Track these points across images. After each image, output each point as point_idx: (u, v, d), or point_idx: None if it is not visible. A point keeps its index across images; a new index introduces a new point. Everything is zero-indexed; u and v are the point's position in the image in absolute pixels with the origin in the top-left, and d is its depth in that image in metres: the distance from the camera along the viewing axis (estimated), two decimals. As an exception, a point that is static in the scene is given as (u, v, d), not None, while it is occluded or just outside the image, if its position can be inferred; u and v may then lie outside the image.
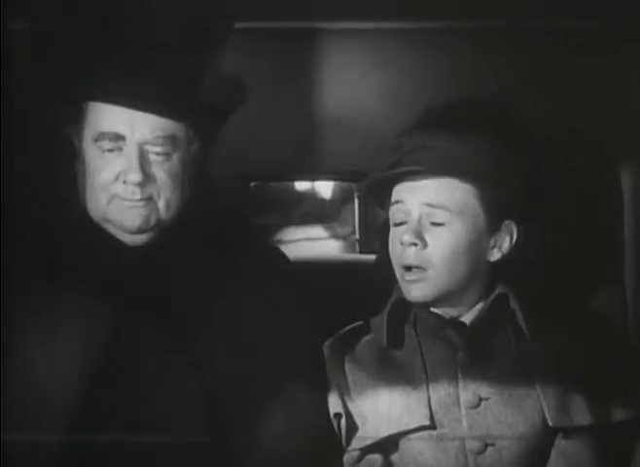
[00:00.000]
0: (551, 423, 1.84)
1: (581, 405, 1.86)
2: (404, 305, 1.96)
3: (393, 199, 1.92)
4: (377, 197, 1.99)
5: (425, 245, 1.88)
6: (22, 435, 1.80)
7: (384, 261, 1.97)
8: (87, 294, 1.87)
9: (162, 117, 1.86)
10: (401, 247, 1.89)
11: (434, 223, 1.88)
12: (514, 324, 1.92)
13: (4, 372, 1.82)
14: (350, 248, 2.77)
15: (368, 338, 2.00)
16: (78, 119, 1.89)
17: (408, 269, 1.89)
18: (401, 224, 1.90)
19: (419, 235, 1.87)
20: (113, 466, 1.82)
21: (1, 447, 1.77)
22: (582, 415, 1.85)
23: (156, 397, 1.84)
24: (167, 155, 1.87)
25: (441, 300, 1.91)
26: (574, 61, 2.38)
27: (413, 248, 1.87)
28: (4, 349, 1.83)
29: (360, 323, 2.03)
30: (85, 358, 1.84)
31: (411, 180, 1.89)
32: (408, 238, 1.87)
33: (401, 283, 1.92)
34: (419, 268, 1.88)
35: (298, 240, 3.12)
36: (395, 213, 1.92)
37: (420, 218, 1.88)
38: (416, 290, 1.89)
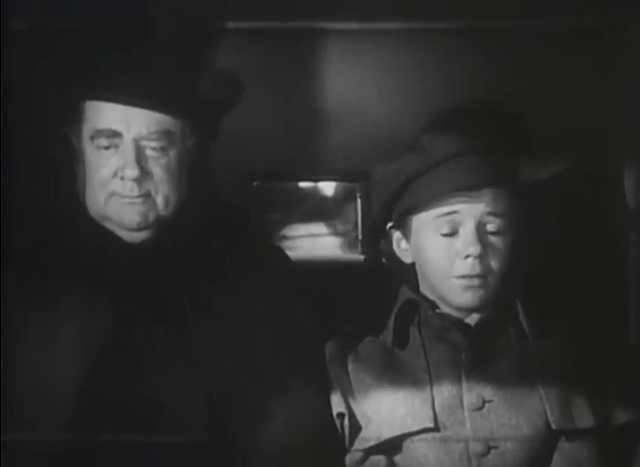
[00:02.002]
0: (553, 426, 1.79)
1: (583, 407, 1.80)
2: (411, 307, 1.90)
3: (445, 211, 1.82)
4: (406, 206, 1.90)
5: (487, 254, 1.81)
6: (22, 435, 1.76)
7: (381, 262, 1.94)
8: (87, 292, 1.83)
9: (157, 112, 1.82)
10: (457, 258, 1.82)
11: (493, 232, 1.82)
12: (516, 326, 1.87)
13: (4, 372, 1.77)
14: (350, 245, 2.73)
15: (371, 338, 1.94)
16: (76, 118, 1.86)
17: (466, 277, 1.82)
18: (451, 234, 1.82)
19: (483, 246, 1.81)
20: (113, 466, 1.77)
21: (1, 446, 1.73)
22: (584, 418, 1.80)
23: (155, 396, 1.79)
24: (163, 150, 1.84)
25: (487, 305, 1.85)
26: (574, 61, 2.30)
27: (478, 259, 1.81)
28: (4, 349, 1.78)
29: (362, 323, 1.96)
30: (84, 356, 1.79)
31: (468, 190, 1.82)
32: (474, 251, 1.80)
33: (449, 290, 1.84)
34: (480, 276, 1.81)
35: (300, 236, 3.12)
36: (444, 224, 1.83)
37: (477, 227, 1.82)
38: (472, 296, 1.82)
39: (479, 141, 1.84)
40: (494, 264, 1.82)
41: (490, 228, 1.82)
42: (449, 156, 1.82)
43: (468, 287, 1.82)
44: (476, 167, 1.82)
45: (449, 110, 1.92)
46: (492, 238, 1.82)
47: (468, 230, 1.82)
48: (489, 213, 1.82)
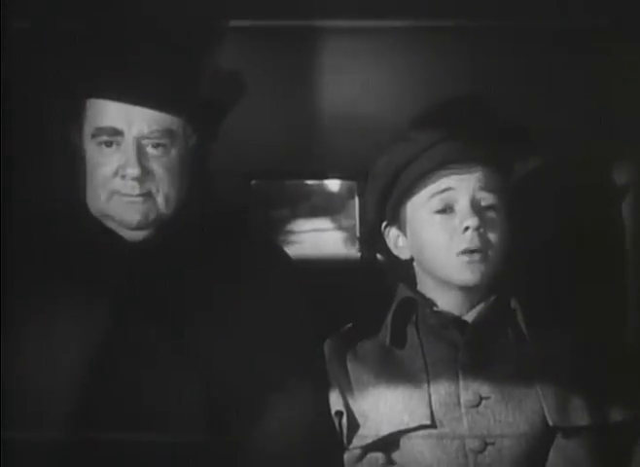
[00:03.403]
0: (550, 423, 1.78)
1: (580, 405, 1.80)
2: (408, 305, 1.89)
3: (437, 189, 1.83)
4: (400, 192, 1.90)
5: (485, 229, 1.81)
6: (22, 433, 1.75)
7: (378, 260, 1.94)
8: (87, 291, 1.82)
9: (159, 111, 1.81)
10: (456, 234, 1.82)
11: (487, 206, 1.83)
12: (514, 324, 1.86)
13: (4, 371, 1.77)
14: (354, 240, 2.71)
15: (369, 336, 1.92)
16: (77, 116, 1.84)
17: (467, 252, 1.81)
18: (447, 212, 1.83)
19: (480, 220, 1.81)
20: (112, 465, 1.76)
21: (1, 445, 1.72)
22: (581, 416, 1.79)
23: (155, 395, 1.78)
24: (165, 149, 1.82)
25: (489, 284, 1.84)
26: (574, 61, 2.29)
27: (476, 232, 1.80)
28: (4, 349, 1.78)
29: (361, 321, 1.96)
30: (84, 355, 1.78)
31: (459, 169, 1.83)
32: (472, 223, 1.80)
33: (451, 269, 1.83)
34: (480, 251, 1.81)
35: (305, 232, 3.10)
36: (439, 202, 1.83)
37: (472, 202, 1.82)
38: (474, 272, 1.81)
39: (463, 131, 1.84)
40: (493, 238, 1.81)
41: (485, 203, 1.82)
42: (436, 141, 1.83)
43: (470, 263, 1.80)
44: (462, 146, 1.83)
45: (434, 106, 1.91)
46: (488, 213, 1.82)
47: (463, 205, 1.82)
48: (482, 188, 1.82)
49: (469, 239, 1.80)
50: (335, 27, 2.30)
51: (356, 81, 2.34)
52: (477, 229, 1.80)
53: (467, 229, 1.80)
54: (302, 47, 2.31)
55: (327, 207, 3.14)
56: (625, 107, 2.27)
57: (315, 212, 3.16)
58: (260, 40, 2.29)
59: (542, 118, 2.20)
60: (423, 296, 1.88)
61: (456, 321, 1.85)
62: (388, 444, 1.81)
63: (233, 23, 1.95)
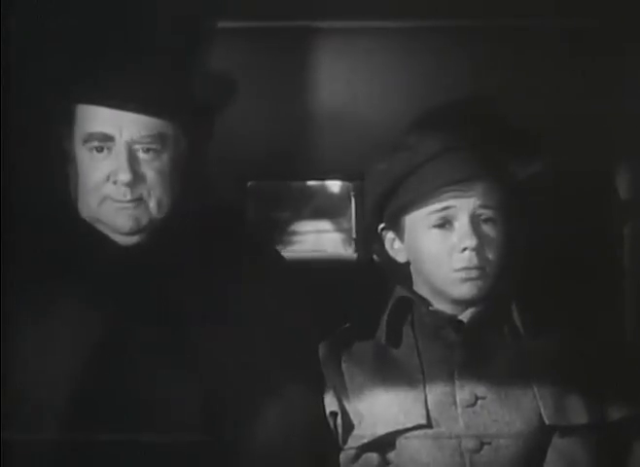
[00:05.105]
0: (547, 422, 1.78)
1: (577, 403, 1.80)
2: (404, 305, 1.89)
3: (437, 207, 1.82)
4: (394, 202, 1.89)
5: (483, 246, 1.81)
6: (21, 434, 1.76)
7: (374, 261, 1.93)
8: (82, 295, 1.83)
9: (149, 116, 1.80)
10: (454, 252, 1.81)
11: (486, 221, 1.82)
12: (510, 323, 1.86)
13: (4, 371, 1.78)
14: (351, 241, 2.72)
15: (364, 336, 1.93)
16: (68, 121, 1.85)
17: (464, 270, 1.81)
18: (445, 228, 1.83)
19: (478, 238, 1.80)
20: (111, 465, 1.77)
21: (1, 445, 1.73)
22: (578, 414, 1.79)
23: (152, 396, 1.79)
24: (156, 153, 1.82)
25: (486, 297, 1.84)
26: (574, 61, 2.30)
27: (475, 252, 1.80)
28: (4, 349, 1.78)
29: (356, 322, 1.96)
30: (81, 358, 1.79)
31: (460, 187, 1.81)
32: (470, 243, 1.80)
33: (447, 283, 1.83)
34: (478, 268, 1.81)
35: (306, 233, 3.12)
36: (438, 219, 1.83)
37: (471, 220, 1.81)
38: (470, 288, 1.82)
39: (464, 138, 1.83)
40: (491, 255, 1.81)
41: (484, 218, 1.81)
42: (436, 153, 1.81)
43: (466, 279, 1.81)
44: (463, 162, 1.81)
45: (434, 109, 1.91)
46: (487, 229, 1.81)
47: (462, 223, 1.81)
48: (481, 206, 1.81)
49: (467, 259, 1.80)
50: (330, 28, 2.31)
51: (351, 82, 2.34)
52: (475, 249, 1.80)
53: (465, 249, 1.80)
54: (299, 47, 2.32)
55: (328, 210, 3.15)
56: (627, 108, 2.28)
57: (316, 214, 3.17)
58: (257, 41, 2.29)
59: (542, 119, 2.20)
60: (419, 295, 1.88)
61: (452, 321, 1.85)
62: (384, 444, 1.82)
63: (229, 25, 1.96)
